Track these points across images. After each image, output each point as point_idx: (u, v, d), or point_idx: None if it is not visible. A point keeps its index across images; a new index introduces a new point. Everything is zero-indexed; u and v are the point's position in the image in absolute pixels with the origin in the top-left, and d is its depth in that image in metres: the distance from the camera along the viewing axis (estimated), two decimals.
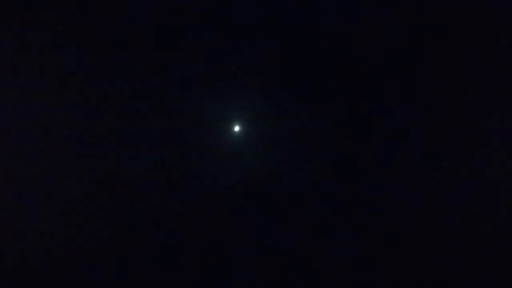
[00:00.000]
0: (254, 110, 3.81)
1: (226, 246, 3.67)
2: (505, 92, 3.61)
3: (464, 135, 3.61)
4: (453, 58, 3.69)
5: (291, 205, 3.69)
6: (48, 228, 3.73)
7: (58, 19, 3.88)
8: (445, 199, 3.58)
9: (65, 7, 3.87)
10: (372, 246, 3.56)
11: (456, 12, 3.69)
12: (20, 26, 3.89)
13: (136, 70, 3.84)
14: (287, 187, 3.70)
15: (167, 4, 3.81)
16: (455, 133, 3.63)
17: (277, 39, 3.80)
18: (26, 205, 3.76)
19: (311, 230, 3.65)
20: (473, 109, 3.64)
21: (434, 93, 3.68)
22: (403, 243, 3.54)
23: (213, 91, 3.81)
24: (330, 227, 3.63)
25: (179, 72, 3.84)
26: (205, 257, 3.66)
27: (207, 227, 3.71)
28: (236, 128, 3.78)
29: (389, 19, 3.71)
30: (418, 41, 3.70)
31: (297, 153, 3.74)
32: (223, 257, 3.65)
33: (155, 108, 3.82)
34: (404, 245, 3.52)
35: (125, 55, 3.84)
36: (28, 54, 3.88)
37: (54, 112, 3.82)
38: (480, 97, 3.63)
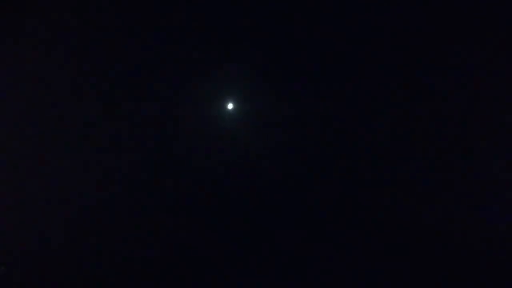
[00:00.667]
0: (247, 88, 3.85)
1: (216, 223, 3.71)
2: (505, 92, 3.64)
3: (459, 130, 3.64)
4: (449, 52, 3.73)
5: (284, 183, 3.73)
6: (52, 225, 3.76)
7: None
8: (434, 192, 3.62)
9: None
10: (364, 225, 3.61)
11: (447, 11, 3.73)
12: (20, 26, 3.90)
13: (131, 49, 3.85)
14: (279, 165, 3.74)
15: None
16: (450, 130, 3.66)
17: (271, 20, 3.81)
18: (26, 205, 3.77)
19: (303, 207, 3.69)
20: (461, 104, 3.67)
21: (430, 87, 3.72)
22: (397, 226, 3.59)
23: (207, 70, 3.84)
24: (321, 205, 3.67)
25: (174, 51, 3.85)
26: (199, 231, 3.70)
27: (201, 202, 3.74)
28: (230, 106, 3.83)
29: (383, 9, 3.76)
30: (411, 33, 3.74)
31: (290, 131, 3.77)
32: (216, 233, 3.69)
33: (149, 87, 3.83)
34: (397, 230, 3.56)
35: (121, 36, 3.85)
36: (27, 54, 3.89)
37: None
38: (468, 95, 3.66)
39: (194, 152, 3.80)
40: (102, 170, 3.80)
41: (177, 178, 3.77)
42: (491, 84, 3.66)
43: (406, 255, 3.57)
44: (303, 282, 3.60)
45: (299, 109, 3.77)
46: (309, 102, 3.78)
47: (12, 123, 3.87)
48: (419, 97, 3.73)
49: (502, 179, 3.59)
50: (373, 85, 3.75)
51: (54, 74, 3.90)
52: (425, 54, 3.73)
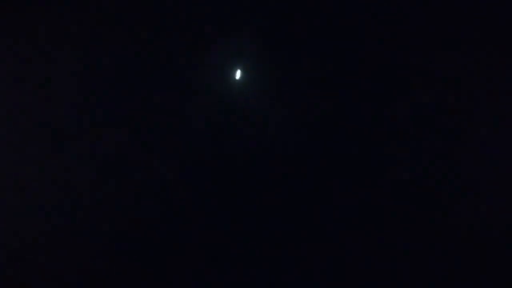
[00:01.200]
0: (255, 57, 3.84)
1: (223, 192, 3.73)
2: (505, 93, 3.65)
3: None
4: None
5: (292, 152, 3.73)
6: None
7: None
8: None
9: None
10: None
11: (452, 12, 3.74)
12: (19, 26, 3.89)
13: (136, 16, 3.85)
14: (287, 134, 3.74)
15: None
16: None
17: None
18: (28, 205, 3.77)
19: (310, 175, 3.70)
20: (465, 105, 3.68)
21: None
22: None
23: (214, 38, 3.83)
24: (328, 172, 3.69)
25: (179, 20, 3.84)
26: (205, 201, 3.72)
27: (207, 172, 3.75)
28: (237, 76, 3.82)
29: None
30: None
31: (297, 100, 3.76)
32: (223, 203, 3.71)
33: (156, 57, 3.83)
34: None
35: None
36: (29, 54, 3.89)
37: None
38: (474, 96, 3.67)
39: (199, 121, 3.80)
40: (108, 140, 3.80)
41: (181, 148, 3.78)
42: (491, 84, 3.67)
43: (407, 254, 3.58)
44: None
45: (310, 78, 3.78)
46: (319, 73, 3.79)
47: (13, 124, 3.87)
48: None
49: (502, 178, 3.60)
50: (383, 60, 3.74)
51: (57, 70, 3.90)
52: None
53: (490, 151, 3.62)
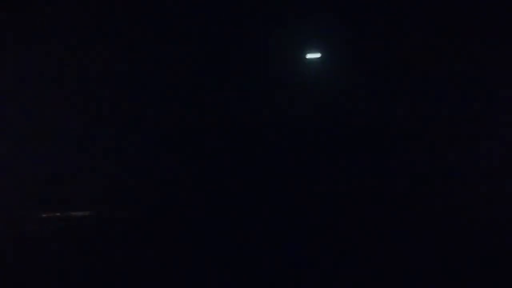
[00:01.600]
0: (325, 38, 4.00)
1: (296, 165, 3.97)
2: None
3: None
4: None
5: (364, 127, 3.97)
6: None
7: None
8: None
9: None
10: None
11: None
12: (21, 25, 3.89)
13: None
14: (361, 112, 3.96)
15: None
16: None
17: None
18: None
19: (384, 148, 3.94)
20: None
21: None
22: None
23: (289, 21, 4.01)
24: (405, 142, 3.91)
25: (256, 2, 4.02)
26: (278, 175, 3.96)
27: (280, 147, 3.98)
28: (309, 56, 4.00)
29: None
30: None
31: (369, 78, 3.95)
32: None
33: (232, 36, 4.04)
34: None
35: None
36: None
37: None
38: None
39: (277, 95, 4.00)
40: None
41: (260, 125, 3.99)
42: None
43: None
44: None
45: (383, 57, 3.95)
46: (393, 53, 3.96)
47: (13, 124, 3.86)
48: None
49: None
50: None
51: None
52: None
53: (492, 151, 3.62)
